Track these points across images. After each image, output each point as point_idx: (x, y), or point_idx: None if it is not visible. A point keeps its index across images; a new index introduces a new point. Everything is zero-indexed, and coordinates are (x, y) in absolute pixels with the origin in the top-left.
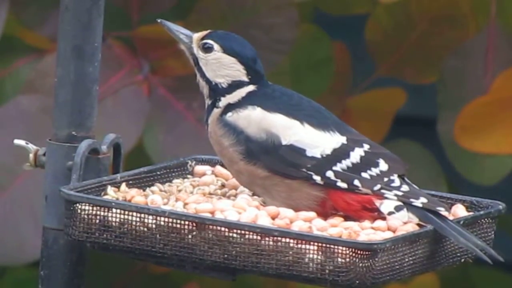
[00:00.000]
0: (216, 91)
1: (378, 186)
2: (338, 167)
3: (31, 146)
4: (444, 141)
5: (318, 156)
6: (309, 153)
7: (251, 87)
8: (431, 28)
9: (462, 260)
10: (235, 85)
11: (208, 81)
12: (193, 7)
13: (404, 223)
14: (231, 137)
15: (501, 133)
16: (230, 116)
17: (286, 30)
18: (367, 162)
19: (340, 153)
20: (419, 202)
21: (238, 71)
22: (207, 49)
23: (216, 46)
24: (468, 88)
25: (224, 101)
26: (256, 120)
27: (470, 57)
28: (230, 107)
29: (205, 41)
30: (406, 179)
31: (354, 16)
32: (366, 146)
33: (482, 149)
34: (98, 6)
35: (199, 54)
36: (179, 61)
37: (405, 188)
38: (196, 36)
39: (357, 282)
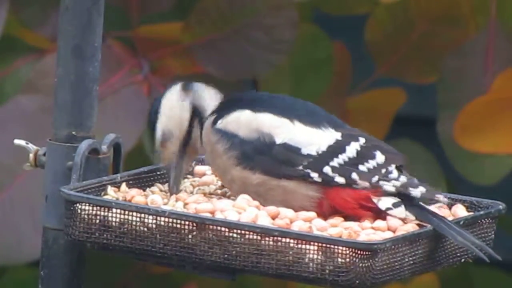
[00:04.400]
0: (199, 110)
1: (376, 178)
2: (335, 162)
3: (31, 146)
4: (444, 141)
5: (314, 153)
6: (305, 151)
7: (204, 87)
8: (431, 28)
9: (462, 260)
10: (195, 95)
11: (191, 124)
12: (193, 8)
13: (404, 222)
14: (225, 142)
15: (501, 133)
16: (220, 124)
17: (286, 30)
18: (364, 155)
19: (336, 149)
20: (418, 191)
21: (177, 96)
22: (167, 138)
23: (158, 131)
24: (468, 88)
25: (208, 114)
26: (246, 121)
27: (470, 57)
28: (218, 115)
29: (160, 142)
30: (403, 170)
31: (354, 16)
32: (362, 140)
33: (482, 149)
34: (98, 6)
35: (175, 143)
36: (179, 61)
37: (403, 178)
38: (164, 154)
39: (357, 282)
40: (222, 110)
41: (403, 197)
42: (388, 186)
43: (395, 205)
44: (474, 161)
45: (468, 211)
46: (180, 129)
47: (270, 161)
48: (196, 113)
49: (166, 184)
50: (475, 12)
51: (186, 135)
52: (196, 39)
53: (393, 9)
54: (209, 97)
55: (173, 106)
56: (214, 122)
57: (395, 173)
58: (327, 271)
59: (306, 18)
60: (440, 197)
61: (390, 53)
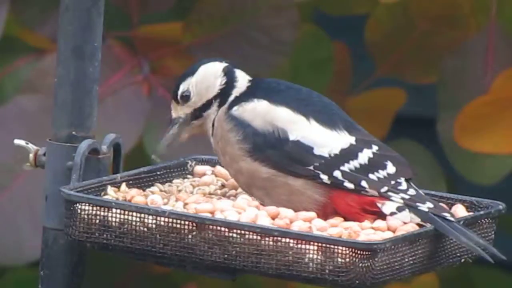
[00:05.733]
0: (225, 95)
1: (385, 188)
2: (346, 167)
3: (31, 146)
4: (444, 141)
5: (326, 155)
6: (317, 151)
7: (245, 77)
8: (431, 28)
9: (462, 260)
10: (231, 82)
11: (210, 102)
12: (193, 7)
13: (404, 223)
14: (239, 132)
15: (501, 133)
16: (236, 110)
17: (286, 30)
18: (375, 163)
19: (348, 153)
20: (425, 206)
21: (217, 72)
22: (185, 97)
23: (184, 85)
24: (468, 88)
25: (232, 96)
26: (262, 113)
27: (470, 57)
28: (236, 101)
29: (178, 94)
30: (412, 183)
31: (354, 16)
32: (375, 148)
33: (482, 149)
34: (98, 6)
35: (188, 107)
36: (179, 61)
37: (412, 192)
38: (174, 109)
39: (357, 282)
40: (239, 98)
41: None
42: (396, 198)
43: (399, 209)
44: (474, 161)
45: (468, 211)
46: (199, 100)
47: (281, 157)
48: (221, 98)
49: (166, 184)
50: (475, 12)
51: (200, 108)
52: (196, 39)
53: (393, 9)
54: (239, 88)
55: (206, 78)
56: (229, 108)
57: (404, 185)
58: (327, 271)
59: (306, 18)
60: (448, 215)
61: (390, 53)
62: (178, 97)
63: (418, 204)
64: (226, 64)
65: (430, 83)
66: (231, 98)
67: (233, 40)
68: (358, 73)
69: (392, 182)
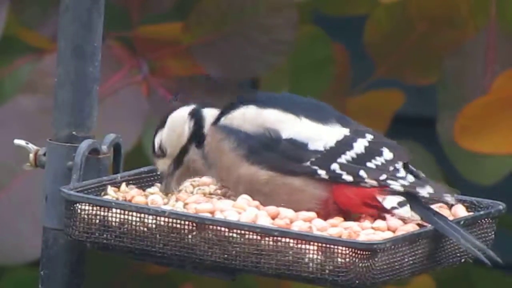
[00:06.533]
0: (198, 134)
1: (384, 176)
2: (342, 159)
3: (31, 146)
4: (444, 141)
5: (321, 149)
6: (312, 146)
7: (212, 112)
8: (430, 28)
9: (462, 260)
10: (199, 121)
11: (186, 147)
12: (193, 8)
13: (404, 222)
14: (232, 139)
15: (501, 133)
16: (224, 120)
17: (285, 31)
18: (371, 151)
19: (344, 145)
20: (426, 192)
21: (183, 117)
22: (161, 151)
23: (157, 139)
24: (468, 88)
25: (206, 125)
26: (251, 117)
27: (470, 57)
28: (220, 114)
29: (155, 150)
30: (410, 166)
31: (354, 17)
32: (369, 136)
33: (482, 149)
34: (98, 6)
35: (168, 158)
36: (178, 62)
37: (410, 178)
38: (158, 163)
39: (357, 282)
40: (224, 110)
41: (408, 196)
42: (396, 186)
43: (401, 204)
44: (474, 161)
45: (468, 211)
46: (174, 149)
47: (277, 157)
48: (195, 139)
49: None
50: (475, 13)
51: (179, 156)
52: (196, 39)
53: (392, 10)
54: (209, 120)
55: (176, 126)
56: (217, 120)
57: (402, 172)
58: (327, 271)
59: (306, 19)
60: (448, 196)
61: (390, 54)
62: (156, 152)
63: (418, 190)
64: (192, 107)
65: (430, 83)
66: (204, 130)
67: (233, 40)
68: (357, 74)
69: (391, 169)
